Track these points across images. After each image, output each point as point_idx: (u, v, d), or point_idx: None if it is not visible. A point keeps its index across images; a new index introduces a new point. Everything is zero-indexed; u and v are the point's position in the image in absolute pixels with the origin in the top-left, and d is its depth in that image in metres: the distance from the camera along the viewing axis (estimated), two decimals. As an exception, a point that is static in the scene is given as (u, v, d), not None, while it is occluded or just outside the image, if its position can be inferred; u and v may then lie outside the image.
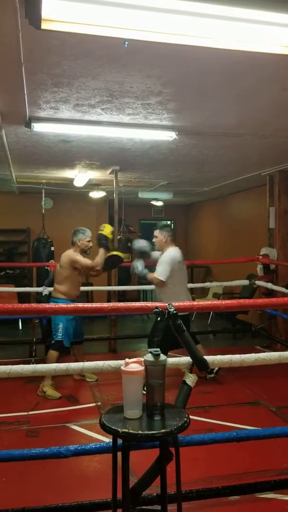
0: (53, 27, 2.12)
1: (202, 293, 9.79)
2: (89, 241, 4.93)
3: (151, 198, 9.59)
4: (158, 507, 2.08)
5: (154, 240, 4.91)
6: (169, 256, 4.73)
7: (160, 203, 10.12)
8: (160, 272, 4.64)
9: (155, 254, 4.93)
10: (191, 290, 9.89)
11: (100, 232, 5.00)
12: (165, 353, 4.15)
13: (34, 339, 6.05)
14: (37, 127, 4.08)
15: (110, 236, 5.03)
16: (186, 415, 1.95)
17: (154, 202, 10.01)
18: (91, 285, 9.34)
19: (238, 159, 5.81)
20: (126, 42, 2.24)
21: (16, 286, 8.33)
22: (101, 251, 4.92)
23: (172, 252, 4.78)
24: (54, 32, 2.26)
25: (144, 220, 12.08)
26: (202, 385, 5.01)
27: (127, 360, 1.95)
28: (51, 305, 2.48)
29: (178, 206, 11.85)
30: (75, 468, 3.14)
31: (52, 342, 4.78)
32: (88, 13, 2.06)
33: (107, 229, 5.02)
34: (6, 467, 2.80)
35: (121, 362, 1.97)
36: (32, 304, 5.12)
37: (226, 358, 2.33)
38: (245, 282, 6.63)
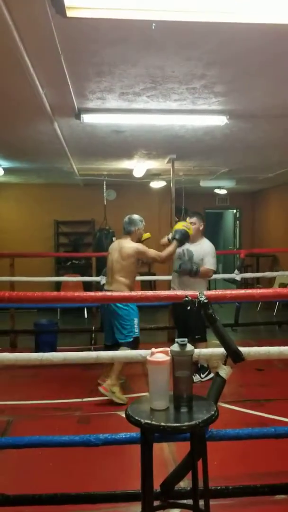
0: (79, 14, 2.11)
1: (269, 284, 9.46)
2: (142, 230, 4.63)
3: (214, 186, 9.39)
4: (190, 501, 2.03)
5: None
6: (213, 248, 4.79)
7: (224, 191, 9.87)
8: (213, 263, 4.70)
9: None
10: (257, 280, 9.68)
11: (184, 228, 4.65)
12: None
13: (93, 327, 6.18)
14: (87, 118, 4.11)
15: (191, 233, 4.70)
16: (215, 408, 1.87)
17: (217, 191, 9.78)
18: (154, 274, 9.37)
19: (300, 142, 5.50)
20: (154, 24, 2.16)
21: (82, 276, 8.56)
22: (175, 245, 4.57)
23: (211, 244, 4.81)
24: (84, 19, 2.25)
25: (209, 209, 11.86)
26: (258, 378, 4.87)
27: (153, 349, 1.91)
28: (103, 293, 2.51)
29: (243, 193, 11.50)
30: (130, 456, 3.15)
31: (128, 340, 4.30)
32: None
33: (190, 230, 4.67)
34: (54, 452, 2.84)
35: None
36: (88, 292, 5.22)
37: (263, 350, 2.20)
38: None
